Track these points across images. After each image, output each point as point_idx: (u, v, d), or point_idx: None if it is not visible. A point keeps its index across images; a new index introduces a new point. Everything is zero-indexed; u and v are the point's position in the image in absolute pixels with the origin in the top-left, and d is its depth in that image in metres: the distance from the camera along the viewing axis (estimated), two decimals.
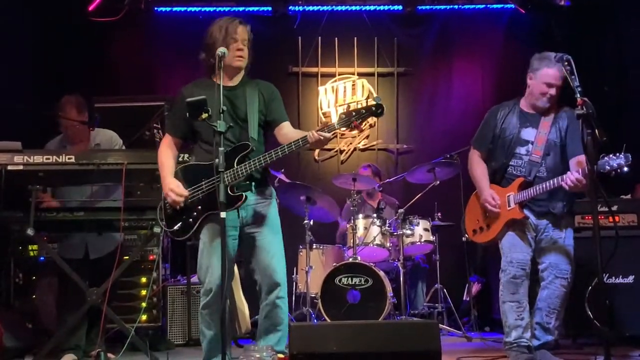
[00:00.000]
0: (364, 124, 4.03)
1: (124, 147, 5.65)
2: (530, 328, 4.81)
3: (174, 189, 4.14)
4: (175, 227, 4.20)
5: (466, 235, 5.22)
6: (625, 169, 4.31)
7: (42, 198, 5.03)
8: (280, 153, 4.06)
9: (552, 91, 4.79)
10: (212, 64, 4.11)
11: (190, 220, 4.17)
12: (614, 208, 5.87)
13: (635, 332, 5.61)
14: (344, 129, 4.12)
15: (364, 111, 4.00)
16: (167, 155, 4.33)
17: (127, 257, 5.41)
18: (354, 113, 4.00)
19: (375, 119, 8.89)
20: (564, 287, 4.80)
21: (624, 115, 7.70)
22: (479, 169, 5.04)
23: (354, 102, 8.91)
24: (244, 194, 4.05)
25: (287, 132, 4.34)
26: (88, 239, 5.37)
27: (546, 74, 4.77)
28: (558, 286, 4.79)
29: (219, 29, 4.23)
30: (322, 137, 4.00)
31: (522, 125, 4.93)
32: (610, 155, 4.33)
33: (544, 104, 4.88)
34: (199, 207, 4.15)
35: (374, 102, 4.03)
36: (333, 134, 4.12)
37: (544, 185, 4.69)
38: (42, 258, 6.08)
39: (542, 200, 4.83)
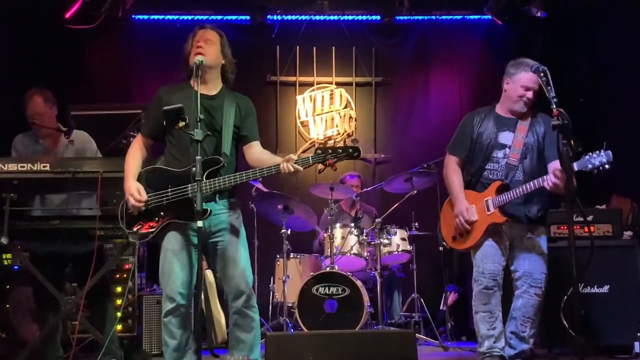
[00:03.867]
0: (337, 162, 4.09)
1: (97, 152, 5.61)
2: (503, 337, 4.82)
3: (134, 194, 4.12)
4: (135, 229, 4.17)
5: (444, 242, 5.16)
6: (607, 166, 4.35)
7: None
8: (251, 175, 4.11)
9: (529, 94, 4.84)
10: (190, 70, 4.19)
11: (151, 224, 4.15)
12: (590, 218, 5.91)
13: (609, 342, 5.66)
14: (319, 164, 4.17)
15: (340, 151, 4.06)
16: (133, 158, 4.32)
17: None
18: (330, 151, 4.05)
19: (353, 128, 8.95)
20: (538, 296, 4.82)
21: (599, 125, 7.78)
22: (454, 176, 5.03)
23: (332, 111, 8.94)
24: (209, 209, 4.03)
25: (256, 152, 4.37)
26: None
27: (523, 77, 4.81)
28: (532, 295, 4.82)
29: (186, 42, 4.33)
30: (293, 170, 4.02)
31: (499, 129, 4.95)
32: (591, 154, 4.37)
33: (521, 108, 4.92)
34: (161, 213, 4.12)
35: (352, 145, 4.08)
36: (306, 167, 4.13)
37: (524, 187, 4.70)
38: (16, 267, 6.01)
39: (518, 205, 4.83)
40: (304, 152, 8.89)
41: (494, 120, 4.99)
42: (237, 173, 4.12)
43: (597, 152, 4.38)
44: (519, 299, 4.86)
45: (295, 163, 4.00)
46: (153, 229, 4.15)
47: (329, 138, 8.94)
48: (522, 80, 4.84)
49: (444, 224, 5.11)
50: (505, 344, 4.85)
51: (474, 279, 4.90)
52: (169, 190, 4.11)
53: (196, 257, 4.17)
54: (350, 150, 4.06)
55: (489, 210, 4.81)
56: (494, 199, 4.80)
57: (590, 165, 4.37)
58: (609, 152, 4.35)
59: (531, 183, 4.68)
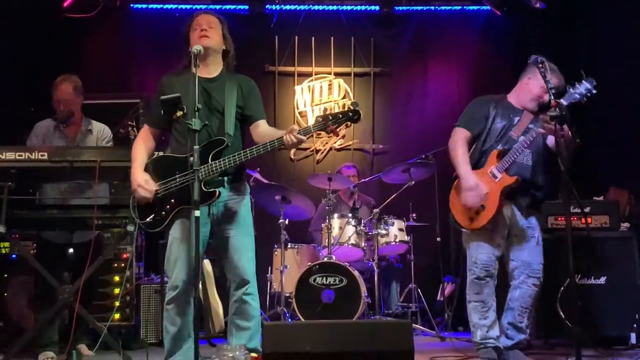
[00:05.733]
0: (339, 128, 4.03)
1: (111, 143, 5.66)
2: (496, 326, 4.81)
3: (142, 185, 4.13)
4: (148, 220, 4.17)
5: (462, 228, 4.94)
6: (594, 91, 4.47)
7: None
8: (255, 152, 4.06)
9: (546, 97, 4.78)
10: (187, 57, 4.26)
11: (163, 213, 4.15)
12: (587, 209, 5.92)
13: (606, 333, 5.67)
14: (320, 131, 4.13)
15: (340, 116, 4.01)
16: (140, 149, 4.32)
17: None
18: (330, 117, 4.01)
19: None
20: (536, 286, 4.83)
21: (596, 116, 7.77)
22: (461, 150, 4.91)
23: (331, 101, 8.93)
24: (217, 190, 4.05)
25: (262, 130, 4.35)
26: None
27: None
28: (530, 285, 4.82)
29: (184, 27, 4.37)
30: (296, 140, 4.01)
31: (514, 114, 4.92)
32: (574, 85, 4.49)
33: (534, 107, 4.93)
34: (172, 200, 4.12)
35: (352, 108, 4.03)
36: (309, 136, 4.13)
37: (522, 142, 4.73)
38: (14, 256, 6.02)
39: (525, 189, 4.84)
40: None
41: (507, 107, 4.97)
42: (242, 150, 4.10)
43: (578, 82, 4.49)
44: (517, 290, 4.86)
45: (298, 133, 3.99)
46: (165, 217, 4.15)
47: None
48: (544, 83, 4.83)
49: (456, 211, 4.95)
50: (502, 334, 4.85)
51: (468, 268, 4.90)
52: (177, 176, 4.10)
53: (202, 245, 4.19)
54: (350, 113, 4.01)
55: (496, 177, 4.76)
56: (497, 166, 4.77)
57: (577, 96, 4.46)
58: (591, 79, 4.47)
59: (528, 135, 4.73)
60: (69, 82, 5.46)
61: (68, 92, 5.45)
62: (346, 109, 4.09)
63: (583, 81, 4.48)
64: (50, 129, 5.51)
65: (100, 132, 5.65)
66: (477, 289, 4.82)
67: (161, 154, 4.31)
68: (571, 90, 4.49)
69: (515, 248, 4.90)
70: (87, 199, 5.02)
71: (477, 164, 4.92)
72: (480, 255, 4.82)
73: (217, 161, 4.05)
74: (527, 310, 4.84)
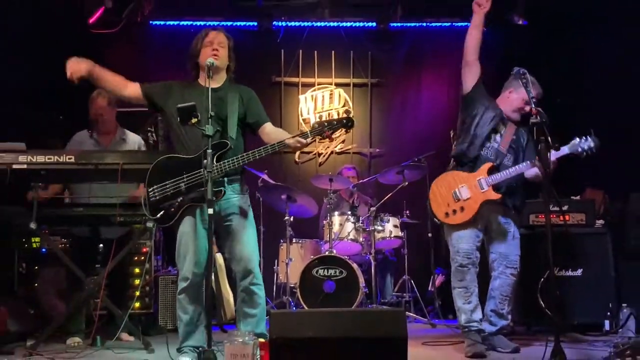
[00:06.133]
0: (336, 133, 4.09)
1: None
2: (479, 310, 4.83)
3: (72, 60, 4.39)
4: (158, 215, 4.15)
5: (436, 219, 4.98)
6: (594, 150, 4.55)
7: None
8: (257, 155, 4.09)
9: (527, 108, 4.78)
10: (195, 69, 4.38)
11: (172, 209, 4.14)
12: (565, 208, 5.93)
13: (582, 320, 5.68)
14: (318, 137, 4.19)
15: (335, 122, 4.09)
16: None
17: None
18: (326, 124, 4.08)
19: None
20: (513, 275, 4.86)
21: (574, 123, 7.76)
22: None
23: (332, 109, 8.92)
24: (222, 189, 4.08)
25: (269, 131, 4.39)
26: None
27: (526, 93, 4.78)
28: (509, 275, 4.86)
29: (195, 40, 4.41)
30: (299, 144, 4.12)
31: (502, 117, 4.96)
32: (580, 139, 4.57)
33: (517, 117, 4.98)
34: (180, 198, 4.12)
35: (346, 116, 4.10)
36: (311, 140, 4.17)
37: (513, 169, 4.75)
38: (43, 250, 6.04)
39: (507, 195, 4.87)
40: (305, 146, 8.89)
41: (496, 108, 4.99)
42: (245, 153, 4.13)
43: (585, 137, 4.55)
44: (497, 280, 4.89)
45: (298, 137, 4.07)
46: (174, 213, 4.14)
47: None
48: (525, 96, 4.83)
49: (434, 202, 4.95)
50: (486, 321, 4.87)
51: (451, 258, 4.91)
52: (185, 176, 4.11)
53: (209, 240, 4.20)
54: (344, 120, 4.08)
55: (482, 188, 4.77)
56: (486, 178, 4.78)
57: (580, 149, 4.54)
58: (596, 138, 4.52)
59: (519, 166, 4.75)
60: (103, 97, 5.53)
61: (103, 106, 5.55)
62: (340, 117, 4.14)
63: (589, 138, 4.56)
64: (86, 137, 5.57)
65: (136, 143, 5.74)
66: (460, 276, 4.83)
67: (171, 154, 4.30)
68: (577, 141, 4.58)
69: (494, 242, 4.93)
70: (110, 198, 5.05)
71: (461, 164, 4.91)
72: (461, 244, 4.83)
73: (221, 162, 4.07)
74: (507, 298, 4.86)
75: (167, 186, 4.14)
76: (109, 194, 5.10)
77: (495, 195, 4.77)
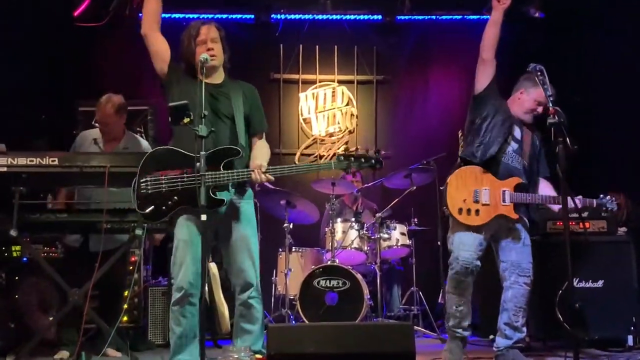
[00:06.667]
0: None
1: None
2: (468, 318, 4.87)
3: None
4: (147, 210, 4.10)
5: (446, 209, 4.95)
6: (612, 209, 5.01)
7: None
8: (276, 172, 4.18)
9: (540, 109, 4.91)
10: (190, 66, 4.28)
11: (164, 208, 4.09)
12: (585, 214, 5.91)
13: (603, 335, 5.66)
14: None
15: (363, 161, 4.15)
16: None
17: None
18: (352, 159, 4.09)
19: (354, 125, 8.95)
20: (527, 285, 4.86)
21: (595, 124, 7.77)
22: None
23: (334, 108, 8.94)
24: (225, 199, 4.05)
25: (256, 147, 4.42)
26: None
27: (539, 94, 4.80)
28: (522, 285, 4.86)
29: (186, 38, 4.34)
30: (265, 179, 4.15)
31: (513, 121, 5.00)
32: (608, 198, 4.96)
33: (529, 119, 5.03)
34: (175, 197, 4.08)
35: (376, 157, 4.18)
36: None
37: (540, 197, 4.90)
38: (25, 259, 6.02)
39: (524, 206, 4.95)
40: (306, 148, 8.91)
41: (507, 110, 5.04)
42: (243, 169, 4.13)
43: (612, 198, 4.96)
44: (509, 290, 4.89)
45: (318, 169, 4.08)
46: (165, 212, 4.11)
47: (331, 135, 8.95)
48: (537, 96, 4.89)
49: (451, 192, 4.91)
50: (500, 335, 4.88)
51: (449, 262, 4.93)
52: (185, 175, 4.08)
53: (208, 249, 4.19)
54: (373, 160, 4.14)
55: (504, 201, 4.81)
56: (512, 194, 4.82)
57: (605, 203, 4.97)
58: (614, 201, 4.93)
59: (546, 197, 4.93)
60: (112, 104, 5.56)
61: (110, 114, 5.57)
62: (369, 154, 4.16)
63: (611, 200, 4.99)
64: (89, 140, 5.58)
65: (137, 147, 5.71)
66: (455, 283, 4.86)
67: (169, 147, 4.26)
68: (605, 199, 4.97)
69: (504, 250, 4.95)
70: (96, 204, 5.04)
71: (486, 168, 4.91)
72: (462, 252, 4.83)
73: (228, 171, 4.06)
74: (521, 309, 4.86)
75: (162, 181, 4.10)
76: (123, 199, 5.03)
77: (514, 215, 4.83)
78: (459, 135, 6.62)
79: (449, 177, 4.97)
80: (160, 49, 4.37)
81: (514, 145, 4.93)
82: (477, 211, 4.82)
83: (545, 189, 5.06)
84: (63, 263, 5.39)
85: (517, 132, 4.97)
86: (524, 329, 4.91)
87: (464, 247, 4.84)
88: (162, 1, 4.43)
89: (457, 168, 5.02)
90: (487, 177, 4.88)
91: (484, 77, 5.03)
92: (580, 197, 4.88)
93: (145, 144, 5.86)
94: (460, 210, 4.85)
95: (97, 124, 5.68)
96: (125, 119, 5.72)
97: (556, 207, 5.00)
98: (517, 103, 5.04)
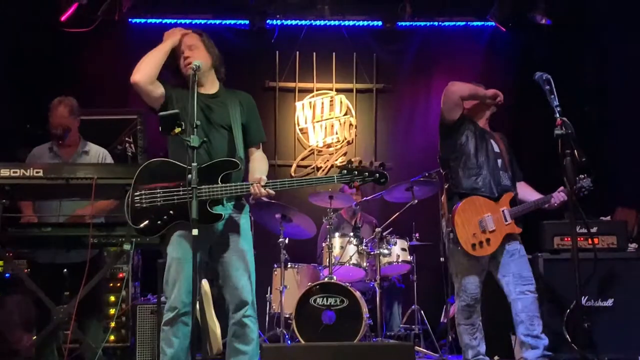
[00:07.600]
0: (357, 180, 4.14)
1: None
2: (483, 342, 5.05)
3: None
4: (142, 225, 4.07)
5: (460, 248, 5.01)
6: (586, 192, 4.97)
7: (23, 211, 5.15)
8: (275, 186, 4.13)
9: (487, 111, 5.26)
10: (182, 79, 4.31)
11: (159, 222, 4.06)
12: (594, 230, 5.92)
13: (614, 356, 5.66)
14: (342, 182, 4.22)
15: (367, 175, 4.12)
16: None
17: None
18: (356, 173, 4.06)
19: (353, 135, 8.96)
20: (533, 292, 4.96)
21: (604, 135, 7.78)
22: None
23: (332, 118, 8.95)
24: (223, 214, 4.05)
25: (253, 159, 4.40)
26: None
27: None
28: (528, 293, 4.95)
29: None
30: (265, 193, 4.09)
31: (489, 138, 5.18)
32: (581, 178, 4.95)
33: (486, 123, 5.30)
34: (171, 212, 4.06)
35: (381, 171, 4.15)
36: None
37: (532, 204, 5.05)
38: (7, 275, 6.00)
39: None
40: (302, 159, 8.91)
41: (479, 131, 5.19)
42: (242, 183, 4.13)
43: (585, 176, 4.95)
44: (518, 302, 4.95)
45: (319, 182, 4.07)
46: (161, 227, 4.07)
47: (329, 145, 8.96)
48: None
49: (460, 231, 5.00)
50: (526, 348, 4.92)
51: (457, 293, 5.11)
52: (181, 188, 4.05)
53: (201, 266, 4.17)
54: (377, 175, 4.12)
55: (506, 220, 4.98)
56: (509, 210, 4.98)
57: (578, 186, 4.92)
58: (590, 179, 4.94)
59: (540, 199, 5.05)
60: (65, 105, 5.48)
61: (64, 116, 5.49)
62: (374, 168, 4.16)
63: (588, 178, 4.98)
64: (45, 151, 5.53)
65: (99, 155, 5.65)
66: (466, 314, 5.04)
67: (164, 159, 4.25)
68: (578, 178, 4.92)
69: (503, 266, 5.04)
70: (82, 217, 5.02)
71: (479, 192, 5.04)
72: (468, 284, 5.02)
73: (225, 185, 4.05)
74: (535, 317, 4.93)
75: (158, 195, 4.09)
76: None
77: (518, 230, 5.00)
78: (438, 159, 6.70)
79: (453, 217, 5.04)
80: (158, 95, 4.32)
81: (499, 162, 5.10)
82: (487, 240, 4.96)
83: (527, 191, 5.24)
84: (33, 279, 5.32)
85: (495, 146, 5.15)
86: (544, 335, 4.94)
87: (469, 278, 5.03)
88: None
89: (456, 202, 5.13)
90: (484, 203, 5.02)
91: (459, 109, 5.28)
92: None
93: (102, 149, 5.74)
94: (474, 246, 4.98)
95: (51, 130, 5.57)
96: (79, 122, 5.61)
97: (556, 201, 5.06)
98: (472, 112, 5.27)
